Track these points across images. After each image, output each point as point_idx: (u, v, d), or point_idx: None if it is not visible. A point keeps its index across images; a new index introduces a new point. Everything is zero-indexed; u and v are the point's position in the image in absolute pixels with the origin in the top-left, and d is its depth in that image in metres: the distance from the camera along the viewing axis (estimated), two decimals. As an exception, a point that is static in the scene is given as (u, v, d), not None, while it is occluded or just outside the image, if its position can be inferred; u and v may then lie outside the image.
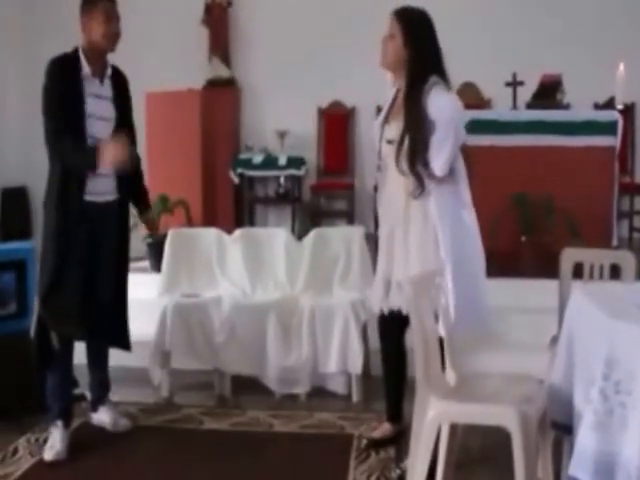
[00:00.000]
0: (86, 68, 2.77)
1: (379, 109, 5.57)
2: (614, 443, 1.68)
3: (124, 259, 2.99)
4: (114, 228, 2.89)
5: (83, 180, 2.75)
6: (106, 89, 2.83)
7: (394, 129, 2.55)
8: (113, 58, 2.89)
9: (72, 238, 2.75)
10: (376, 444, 2.77)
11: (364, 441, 2.80)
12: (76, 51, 2.79)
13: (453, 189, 2.53)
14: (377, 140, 2.64)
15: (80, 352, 2.96)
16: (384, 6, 5.69)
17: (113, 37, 2.80)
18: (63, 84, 2.72)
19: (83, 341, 2.93)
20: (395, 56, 2.52)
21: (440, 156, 2.44)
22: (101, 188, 2.81)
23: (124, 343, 2.98)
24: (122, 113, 2.88)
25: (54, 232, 2.76)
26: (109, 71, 2.86)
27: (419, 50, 2.49)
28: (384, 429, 2.83)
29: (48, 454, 2.73)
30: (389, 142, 2.56)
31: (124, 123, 2.90)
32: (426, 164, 2.47)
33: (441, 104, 2.45)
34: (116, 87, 2.87)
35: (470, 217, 2.57)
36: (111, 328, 2.93)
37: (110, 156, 2.66)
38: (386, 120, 2.64)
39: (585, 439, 1.72)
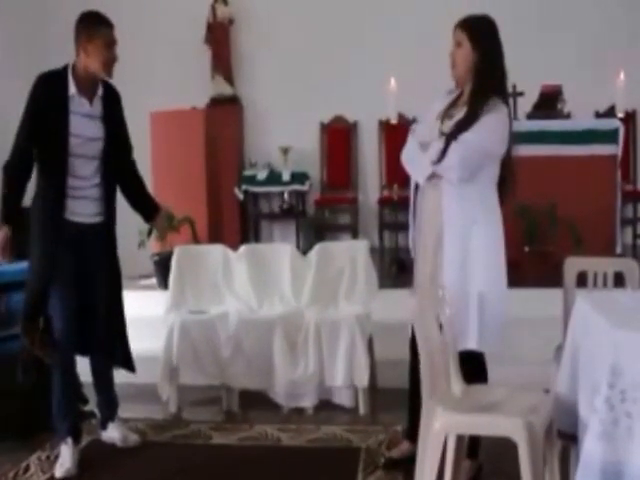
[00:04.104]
0: (72, 88, 2.74)
1: (380, 123, 5.68)
2: (621, 452, 1.68)
3: (116, 280, 2.96)
4: (101, 249, 2.86)
5: (61, 200, 2.73)
6: (95, 108, 2.80)
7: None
8: (117, 79, 2.86)
9: (56, 257, 2.74)
10: (394, 463, 2.69)
11: (382, 459, 2.73)
12: (65, 69, 2.77)
13: (466, 205, 2.45)
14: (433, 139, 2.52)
15: (88, 371, 2.99)
16: (383, 22, 5.78)
17: (111, 64, 2.78)
18: (44, 102, 2.71)
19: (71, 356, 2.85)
20: (465, 63, 2.47)
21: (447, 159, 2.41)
22: (84, 210, 2.80)
23: (129, 365, 3.01)
24: (114, 131, 2.86)
25: (37, 251, 2.77)
26: (100, 90, 2.82)
27: (488, 51, 2.47)
28: (403, 448, 2.72)
29: (59, 471, 2.75)
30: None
31: (118, 140, 2.88)
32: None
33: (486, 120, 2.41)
34: (107, 105, 2.84)
35: (483, 233, 2.46)
36: (112, 347, 2.94)
37: None
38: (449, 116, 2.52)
39: (591, 449, 1.71)
